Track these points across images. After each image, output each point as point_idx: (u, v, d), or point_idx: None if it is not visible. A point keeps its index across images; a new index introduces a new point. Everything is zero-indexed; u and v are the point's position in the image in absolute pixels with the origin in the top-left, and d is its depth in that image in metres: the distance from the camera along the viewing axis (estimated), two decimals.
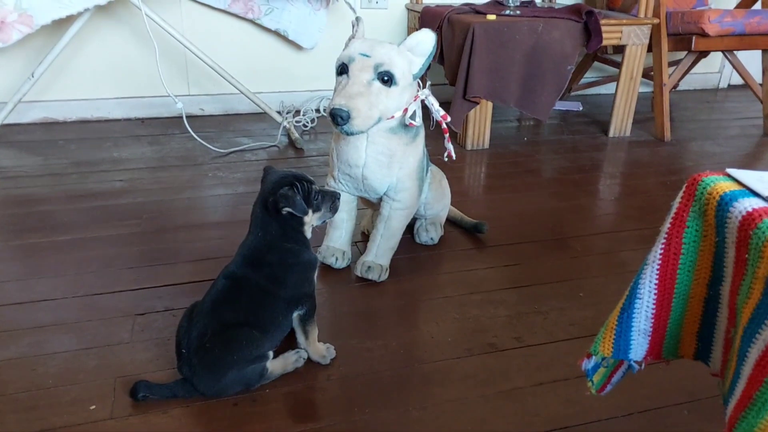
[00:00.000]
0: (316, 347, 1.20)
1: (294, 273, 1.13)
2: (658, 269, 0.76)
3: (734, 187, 0.70)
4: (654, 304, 0.77)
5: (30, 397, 1.10)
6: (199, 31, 2.67)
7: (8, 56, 2.53)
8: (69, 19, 2.29)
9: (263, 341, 1.09)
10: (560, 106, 3.10)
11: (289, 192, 1.10)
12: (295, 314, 1.16)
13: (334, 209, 1.22)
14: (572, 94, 3.30)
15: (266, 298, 1.11)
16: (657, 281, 0.76)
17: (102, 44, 2.61)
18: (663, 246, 0.75)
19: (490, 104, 2.39)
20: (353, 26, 1.36)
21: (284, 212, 1.10)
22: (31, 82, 2.32)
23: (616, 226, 1.82)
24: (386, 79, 1.28)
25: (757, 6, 2.96)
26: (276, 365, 1.14)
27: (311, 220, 1.17)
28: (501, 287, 1.49)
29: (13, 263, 1.53)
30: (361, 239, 1.70)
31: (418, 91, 1.38)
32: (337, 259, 1.53)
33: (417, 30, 1.34)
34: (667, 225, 0.75)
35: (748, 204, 0.67)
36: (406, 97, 1.34)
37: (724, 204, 0.69)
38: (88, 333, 1.28)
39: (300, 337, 1.19)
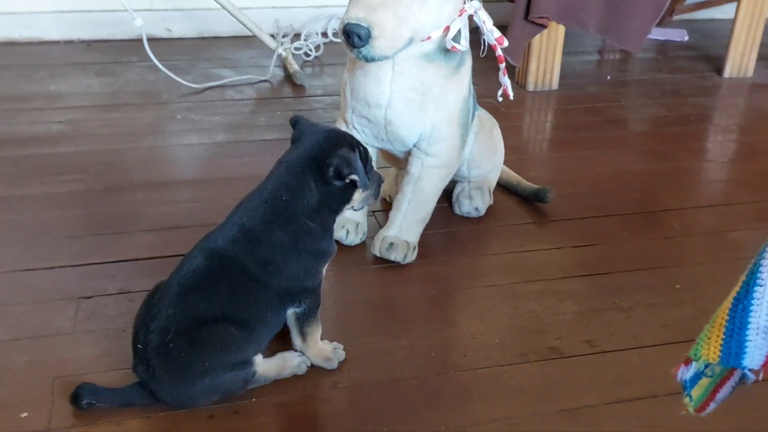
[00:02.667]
0: (319, 348, 1.22)
1: (298, 262, 1.15)
2: None
3: None
4: None
5: None
6: None
7: None
8: None
9: (245, 343, 1.12)
10: (657, 34, 3.06)
11: (351, 156, 1.12)
12: (290, 311, 1.18)
13: (377, 193, 1.24)
14: (674, 18, 3.25)
15: (253, 288, 1.13)
16: None
17: None
18: None
19: (561, 29, 2.37)
20: None
21: (347, 180, 1.13)
22: None
23: (729, 198, 1.81)
24: None
25: None
26: (269, 367, 1.17)
27: (357, 199, 1.19)
28: (568, 274, 1.49)
29: None
30: (381, 207, 1.72)
31: (464, 3, 1.38)
32: (348, 232, 1.54)
33: None
34: None
35: None
36: (448, 10, 1.34)
37: None
38: (18, 320, 1.31)
39: (296, 339, 1.21)
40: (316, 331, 1.21)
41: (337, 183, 1.13)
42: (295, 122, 1.20)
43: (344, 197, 1.17)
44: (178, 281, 1.11)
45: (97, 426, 1.09)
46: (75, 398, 1.10)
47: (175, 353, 1.07)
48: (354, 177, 1.12)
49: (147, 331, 1.09)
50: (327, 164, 1.12)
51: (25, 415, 1.11)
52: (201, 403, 1.12)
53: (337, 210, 1.18)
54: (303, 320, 1.19)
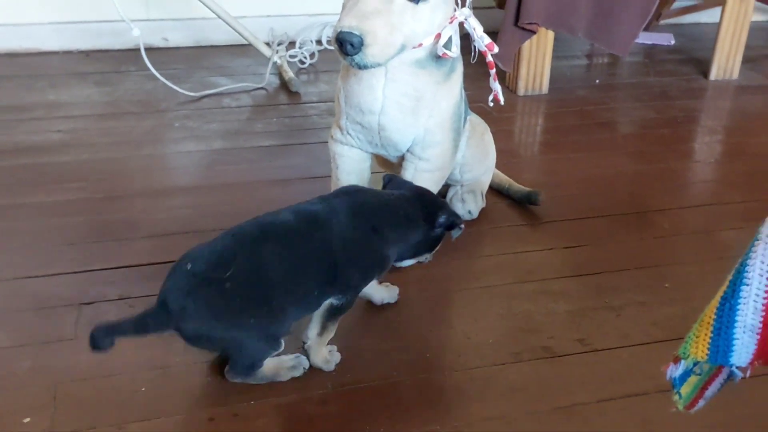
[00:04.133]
0: (322, 351, 1.23)
1: (376, 257, 1.20)
2: None
3: None
4: (766, 291, 0.77)
5: None
6: None
7: None
8: None
9: (273, 320, 1.13)
10: (645, 38, 3.07)
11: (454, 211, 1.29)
12: (328, 301, 1.19)
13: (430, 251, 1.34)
14: (661, 22, 3.26)
15: (321, 262, 1.15)
16: None
17: None
18: None
19: (550, 34, 2.38)
20: None
21: (454, 231, 1.26)
22: None
23: (717, 198, 1.82)
24: None
25: None
26: (267, 367, 1.17)
27: (435, 249, 1.29)
28: (561, 275, 1.50)
29: None
30: None
31: (455, 10, 1.38)
32: None
33: None
34: None
35: None
36: (440, 18, 1.34)
37: None
38: (20, 327, 1.30)
39: (312, 331, 1.21)
40: (332, 331, 1.22)
41: (439, 230, 1.26)
42: (389, 180, 1.34)
43: (433, 244, 1.29)
44: (260, 227, 1.14)
45: (98, 430, 1.09)
46: (95, 344, 1.06)
47: (222, 289, 1.07)
48: (462, 226, 1.27)
49: (203, 250, 1.11)
50: (440, 213, 1.24)
51: (27, 420, 1.11)
52: (208, 348, 1.16)
53: (422, 253, 1.30)
54: (333, 313, 1.20)
